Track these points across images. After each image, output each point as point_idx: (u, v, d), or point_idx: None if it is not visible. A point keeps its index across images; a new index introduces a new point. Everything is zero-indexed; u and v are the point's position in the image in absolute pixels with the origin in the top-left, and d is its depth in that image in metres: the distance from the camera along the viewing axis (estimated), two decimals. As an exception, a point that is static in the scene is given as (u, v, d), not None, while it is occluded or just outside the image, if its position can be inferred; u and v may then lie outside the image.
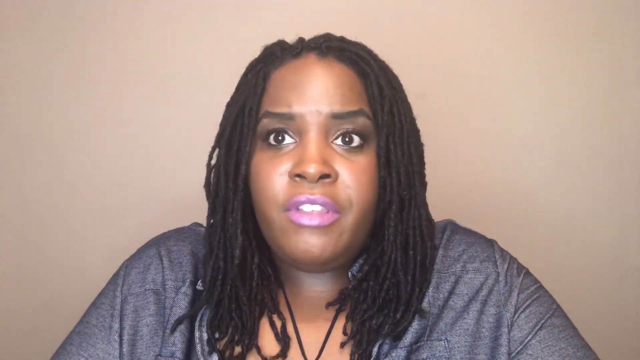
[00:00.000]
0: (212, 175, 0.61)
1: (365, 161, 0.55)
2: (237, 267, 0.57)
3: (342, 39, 0.60)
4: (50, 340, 0.98)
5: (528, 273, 0.62)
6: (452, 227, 0.66)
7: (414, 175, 0.59)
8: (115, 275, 0.63)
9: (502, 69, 1.01)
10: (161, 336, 0.58)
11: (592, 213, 1.03)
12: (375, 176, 0.56)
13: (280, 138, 0.56)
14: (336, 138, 0.55)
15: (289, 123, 0.55)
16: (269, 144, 0.56)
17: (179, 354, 0.56)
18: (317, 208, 0.53)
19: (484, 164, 1.02)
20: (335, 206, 0.53)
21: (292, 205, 0.53)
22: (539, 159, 1.02)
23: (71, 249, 1.00)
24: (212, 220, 0.60)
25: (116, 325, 0.59)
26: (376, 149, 0.57)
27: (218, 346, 0.57)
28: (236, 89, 0.62)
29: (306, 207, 0.53)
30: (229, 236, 0.58)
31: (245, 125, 0.57)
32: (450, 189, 0.91)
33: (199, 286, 0.61)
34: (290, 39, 0.62)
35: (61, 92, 0.98)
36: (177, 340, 0.57)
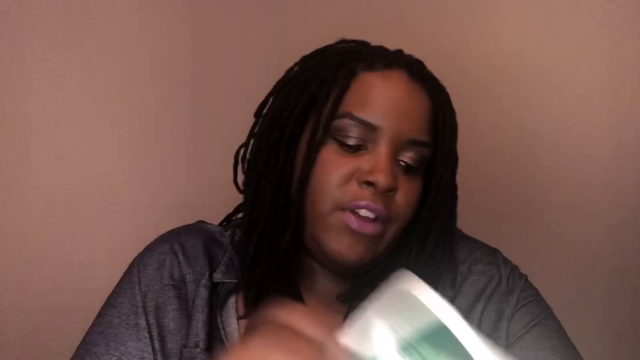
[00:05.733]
0: (258, 151, 0.61)
1: (417, 183, 0.59)
2: (288, 242, 0.58)
3: (423, 64, 0.63)
4: (51, 340, 0.99)
5: (527, 280, 0.66)
6: (457, 233, 0.68)
7: (454, 205, 0.64)
8: (129, 273, 0.63)
9: (503, 69, 1.01)
10: (187, 328, 0.59)
11: (591, 213, 1.04)
12: (420, 197, 0.59)
13: (354, 142, 0.57)
14: (401, 158, 0.58)
15: (368, 131, 0.56)
16: (339, 142, 0.57)
17: (202, 344, 0.57)
18: (371, 215, 0.55)
19: (483, 164, 1.02)
20: (388, 218, 0.56)
21: (350, 207, 0.55)
22: (538, 159, 1.03)
23: (73, 249, 1.00)
24: (254, 198, 0.60)
25: (143, 323, 0.58)
26: (433, 175, 0.61)
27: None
28: (301, 70, 0.62)
29: (362, 212, 0.55)
30: (279, 216, 0.59)
31: (320, 114, 0.58)
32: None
33: (216, 278, 0.61)
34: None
35: (62, 91, 0.98)
36: (200, 331, 0.58)
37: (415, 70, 0.60)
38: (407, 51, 0.64)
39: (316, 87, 0.59)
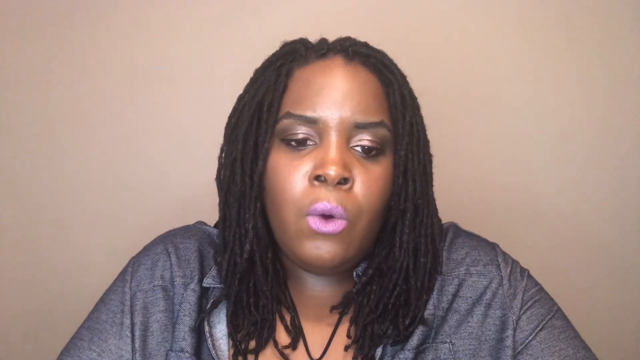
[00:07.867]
0: (224, 168, 0.61)
1: (380, 170, 0.56)
2: (247, 261, 0.58)
3: (366, 45, 0.60)
4: (50, 340, 0.99)
5: (530, 275, 0.63)
6: (454, 230, 0.67)
7: (428, 184, 0.60)
8: (123, 272, 0.64)
9: (503, 69, 1.01)
10: (171, 331, 0.59)
11: (592, 213, 1.03)
12: (387, 184, 0.57)
13: (301, 140, 0.55)
14: (355, 145, 0.56)
15: (311, 126, 0.55)
16: (289, 144, 0.56)
17: (188, 349, 0.57)
18: (327, 214, 0.53)
19: (484, 164, 1.02)
20: (346, 214, 0.54)
21: (311, 212, 0.53)
22: (540, 159, 1.02)
23: (72, 249, 1.00)
24: (225, 214, 0.60)
25: (127, 321, 0.60)
26: (394, 158, 0.58)
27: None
28: (251, 82, 0.61)
29: (319, 212, 0.53)
30: (244, 231, 0.58)
31: (264, 121, 0.57)
32: (450, 189, 0.91)
33: (205, 283, 0.61)
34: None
35: (61, 92, 0.98)
36: (187, 336, 0.58)
37: (351, 51, 0.58)
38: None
39: (261, 96, 0.58)
